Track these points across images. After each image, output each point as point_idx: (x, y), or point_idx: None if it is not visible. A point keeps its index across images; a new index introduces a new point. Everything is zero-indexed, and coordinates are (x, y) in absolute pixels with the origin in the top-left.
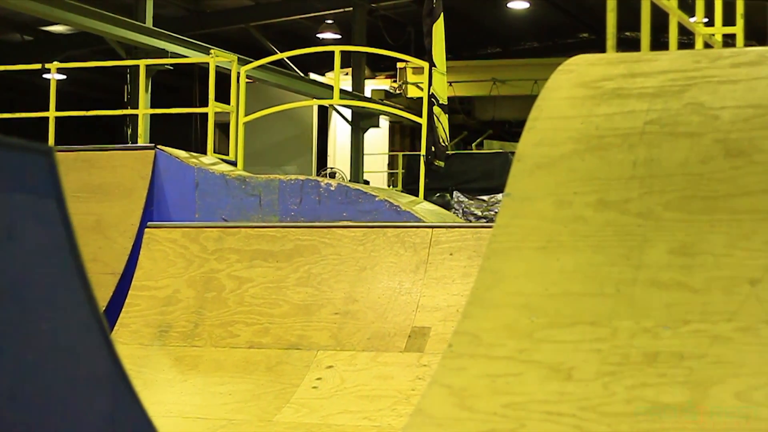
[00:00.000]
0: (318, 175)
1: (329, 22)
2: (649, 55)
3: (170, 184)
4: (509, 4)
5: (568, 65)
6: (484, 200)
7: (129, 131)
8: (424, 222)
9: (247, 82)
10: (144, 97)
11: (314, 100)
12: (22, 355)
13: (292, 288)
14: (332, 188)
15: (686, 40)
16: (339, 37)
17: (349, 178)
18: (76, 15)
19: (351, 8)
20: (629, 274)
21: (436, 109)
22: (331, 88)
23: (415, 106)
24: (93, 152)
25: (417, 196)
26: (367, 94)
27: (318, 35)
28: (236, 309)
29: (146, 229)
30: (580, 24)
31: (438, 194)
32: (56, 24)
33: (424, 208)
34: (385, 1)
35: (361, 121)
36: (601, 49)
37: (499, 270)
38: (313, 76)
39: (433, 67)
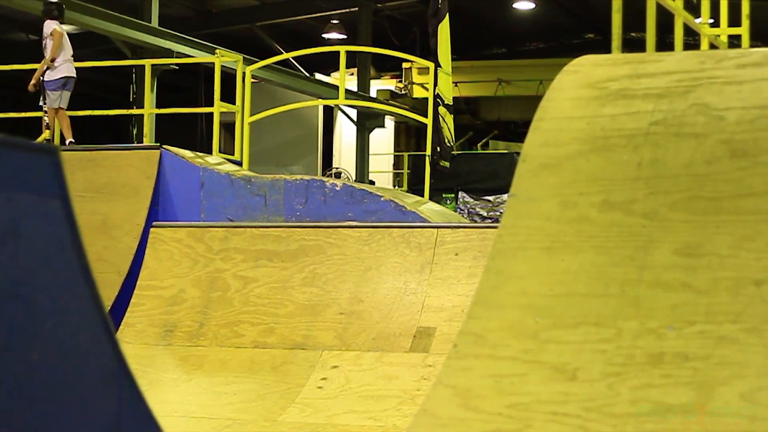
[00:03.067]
0: (323, 175)
1: (335, 22)
2: (654, 56)
3: (175, 184)
4: (515, 5)
5: (573, 66)
6: (489, 200)
7: (134, 131)
8: (429, 222)
9: (252, 82)
10: (149, 96)
11: (320, 100)
12: (27, 354)
13: (298, 288)
14: (337, 188)
15: (692, 41)
16: (344, 37)
17: (354, 179)
18: (81, 14)
19: (356, 8)
20: (634, 275)
21: (442, 110)
22: (336, 88)
23: (420, 106)
24: (98, 152)
25: (422, 196)
26: (373, 94)
27: (323, 35)
28: (241, 309)
29: (151, 229)
30: (585, 25)
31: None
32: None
33: (429, 208)
34: (391, 2)
35: (367, 122)
36: (607, 49)
37: (504, 270)
38: (318, 76)
39: (438, 68)
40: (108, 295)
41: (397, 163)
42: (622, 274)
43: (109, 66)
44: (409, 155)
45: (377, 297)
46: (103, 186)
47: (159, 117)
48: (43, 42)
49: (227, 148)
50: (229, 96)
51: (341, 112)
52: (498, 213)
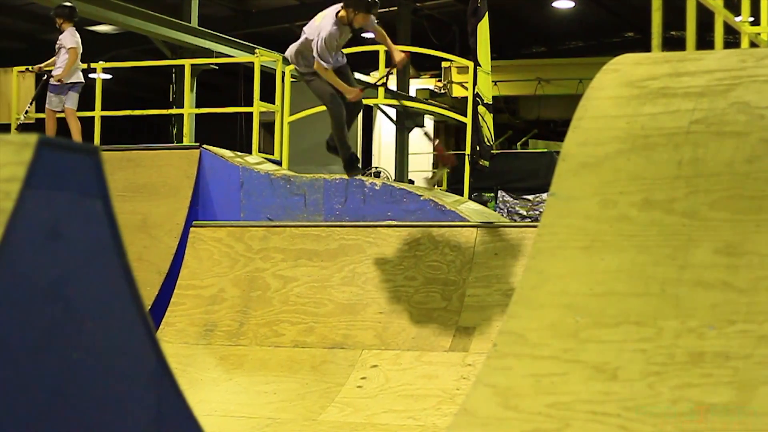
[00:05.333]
0: (363, 174)
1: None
2: (694, 54)
3: (215, 184)
4: (554, 4)
5: (613, 64)
6: (529, 200)
7: (174, 131)
8: (469, 221)
9: (292, 82)
10: (189, 96)
11: None
12: (67, 353)
13: (337, 287)
14: (377, 187)
15: (732, 39)
16: None
17: (393, 178)
18: (121, 15)
19: (396, 8)
20: (674, 274)
21: (481, 109)
22: (376, 87)
23: (459, 105)
24: (139, 152)
25: (462, 195)
26: (412, 93)
27: (363, 35)
28: (281, 308)
29: (191, 228)
30: (625, 23)
31: (475, 194)
32: (102, 24)
33: (469, 207)
34: (430, 1)
35: (406, 121)
36: (647, 48)
37: (544, 270)
38: (357, 75)
39: (477, 67)
40: (148, 295)
41: (437, 163)
42: (663, 273)
43: (149, 66)
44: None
45: (416, 296)
46: (143, 186)
47: (199, 117)
48: (59, 46)
49: (267, 147)
50: (268, 95)
51: (381, 112)
52: (537, 212)
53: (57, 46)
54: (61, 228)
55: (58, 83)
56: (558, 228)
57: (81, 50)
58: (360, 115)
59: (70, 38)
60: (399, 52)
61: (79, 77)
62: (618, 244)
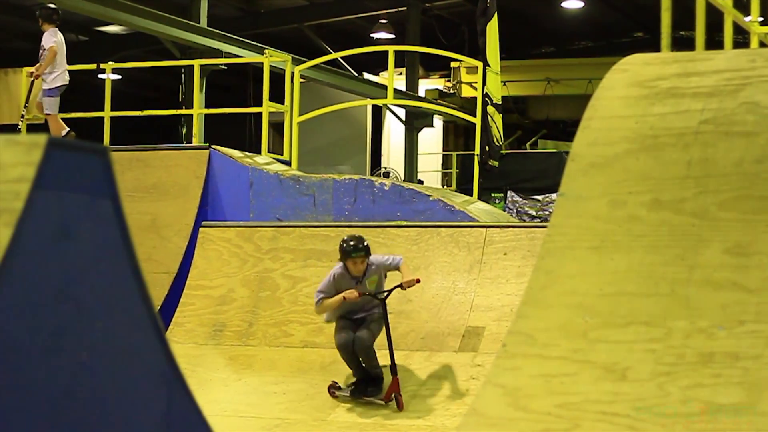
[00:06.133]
0: (372, 174)
1: (383, 21)
2: (703, 54)
3: (224, 184)
4: (563, 4)
5: (622, 65)
6: (538, 200)
7: (184, 131)
8: (478, 222)
9: (301, 82)
10: (198, 96)
11: (368, 99)
12: (77, 353)
13: None
14: (386, 188)
15: (741, 39)
16: (393, 36)
17: (403, 178)
18: (130, 15)
19: (405, 8)
20: (684, 274)
21: (490, 109)
22: (384, 87)
23: (469, 105)
24: (148, 152)
25: (471, 195)
26: (421, 93)
27: (372, 35)
28: (290, 308)
29: (201, 229)
30: (634, 23)
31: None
32: (111, 24)
33: (478, 207)
34: (439, 1)
35: (415, 121)
36: (656, 48)
37: (553, 270)
38: (366, 75)
39: (486, 67)
40: (158, 295)
41: (446, 163)
42: (672, 273)
43: (159, 66)
44: (457, 155)
45: (426, 297)
46: (153, 186)
47: (208, 117)
48: (42, 51)
49: (276, 147)
50: (277, 96)
51: (390, 112)
52: (547, 212)
53: (41, 53)
54: (71, 228)
55: (53, 88)
56: (567, 228)
57: (63, 50)
58: (369, 115)
59: (48, 38)
60: (411, 279)
61: (64, 79)
62: (627, 244)
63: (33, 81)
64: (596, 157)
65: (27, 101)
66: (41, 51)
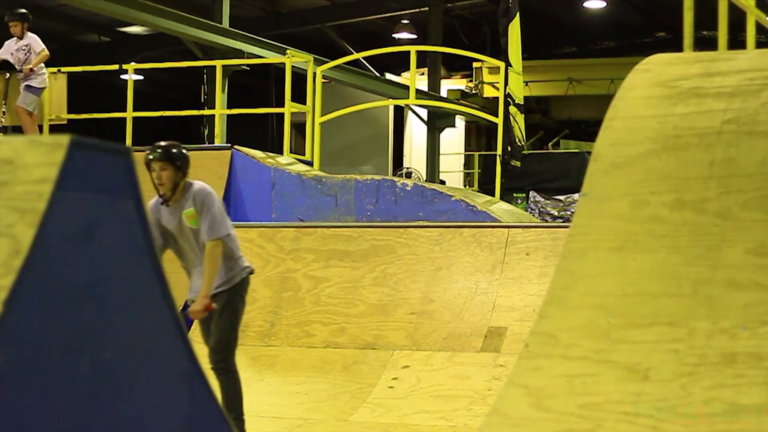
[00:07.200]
0: (394, 175)
1: (405, 22)
2: (726, 54)
3: (247, 184)
4: (585, 4)
5: (644, 65)
6: (560, 200)
7: (206, 131)
8: (500, 222)
9: (323, 82)
10: (220, 97)
11: (390, 100)
12: (100, 353)
13: (368, 288)
14: (408, 188)
15: (764, 39)
16: (415, 37)
17: (425, 178)
18: (152, 16)
19: (427, 8)
20: (706, 275)
21: (512, 109)
22: (406, 88)
23: (491, 105)
24: None
25: (493, 196)
26: (443, 93)
27: (394, 35)
28: (312, 309)
29: None
30: (656, 23)
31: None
32: (133, 25)
33: (500, 207)
34: (461, 1)
35: (437, 121)
36: (678, 48)
37: (575, 270)
38: (388, 76)
39: (509, 67)
40: (180, 295)
41: (468, 163)
42: (695, 273)
43: (181, 67)
44: (479, 155)
45: (448, 297)
46: None
47: (230, 117)
48: (25, 51)
49: (298, 148)
50: (299, 96)
51: (412, 112)
52: (569, 212)
53: (24, 53)
54: (93, 229)
55: (38, 87)
56: (590, 228)
57: (47, 53)
58: (391, 116)
59: (36, 42)
60: (199, 308)
61: (46, 82)
62: (650, 244)
63: (8, 81)
64: (618, 158)
65: (5, 101)
66: (25, 54)
